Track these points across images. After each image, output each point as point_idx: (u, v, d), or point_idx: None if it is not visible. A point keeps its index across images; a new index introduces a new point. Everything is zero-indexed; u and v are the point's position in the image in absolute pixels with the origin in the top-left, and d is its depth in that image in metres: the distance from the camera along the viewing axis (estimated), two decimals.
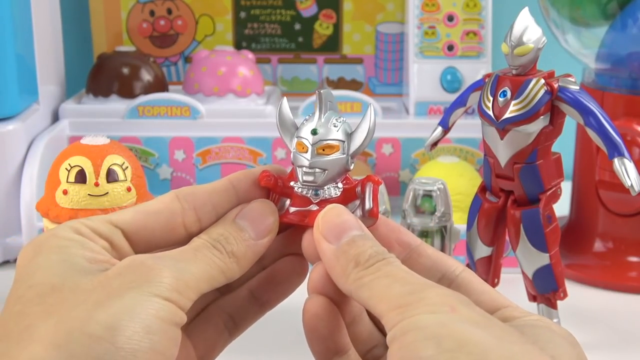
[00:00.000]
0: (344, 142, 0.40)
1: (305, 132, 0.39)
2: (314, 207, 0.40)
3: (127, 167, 0.55)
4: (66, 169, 0.54)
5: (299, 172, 0.40)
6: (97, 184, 0.54)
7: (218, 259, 0.36)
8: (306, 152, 0.39)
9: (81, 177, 0.54)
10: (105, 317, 0.32)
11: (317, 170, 0.40)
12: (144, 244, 0.37)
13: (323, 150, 0.40)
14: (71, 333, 0.31)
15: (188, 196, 0.38)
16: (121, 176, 0.54)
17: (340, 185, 0.41)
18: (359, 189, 0.41)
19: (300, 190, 0.40)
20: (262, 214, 0.39)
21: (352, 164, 0.40)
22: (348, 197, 0.40)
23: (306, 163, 0.39)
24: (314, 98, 0.81)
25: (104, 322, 0.31)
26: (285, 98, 0.41)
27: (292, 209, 0.40)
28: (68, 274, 0.34)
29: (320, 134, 0.39)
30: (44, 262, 0.34)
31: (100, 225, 0.36)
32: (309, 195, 0.40)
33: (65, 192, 0.54)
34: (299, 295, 0.42)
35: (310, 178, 0.40)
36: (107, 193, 0.54)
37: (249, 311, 0.40)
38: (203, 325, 0.39)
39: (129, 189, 0.55)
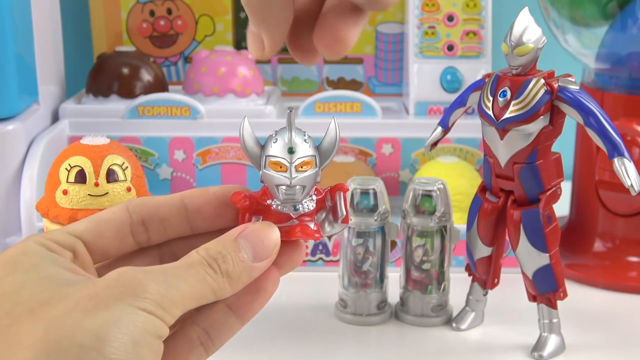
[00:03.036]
0: (315, 156, 0.42)
1: (281, 152, 0.41)
2: (294, 222, 0.41)
3: (127, 167, 0.55)
4: (66, 169, 0.54)
5: (278, 190, 0.41)
6: (97, 184, 0.54)
7: (211, 277, 0.36)
8: (285, 171, 0.41)
9: (81, 177, 0.54)
10: (94, 326, 0.32)
11: (298, 187, 0.41)
12: (100, 252, 0.38)
13: (301, 167, 0.41)
14: (60, 342, 0.32)
15: (137, 207, 0.39)
16: (121, 176, 0.54)
17: (313, 197, 0.42)
18: (328, 198, 0.43)
19: (279, 207, 0.41)
20: (265, 237, 0.39)
21: (320, 177, 0.42)
22: (319, 207, 0.42)
23: (287, 182, 0.41)
24: (315, 97, 0.81)
25: (93, 331, 0.32)
26: (246, 118, 0.42)
27: None
28: (55, 288, 0.34)
29: (297, 152, 0.41)
30: (25, 280, 0.35)
31: (63, 237, 0.37)
32: (288, 211, 0.41)
33: (65, 192, 0.54)
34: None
35: (292, 196, 0.41)
36: (107, 193, 0.54)
37: (224, 324, 0.39)
38: (175, 341, 0.38)
39: (128, 189, 0.55)
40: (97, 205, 0.54)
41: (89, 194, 0.53)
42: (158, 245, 0.41)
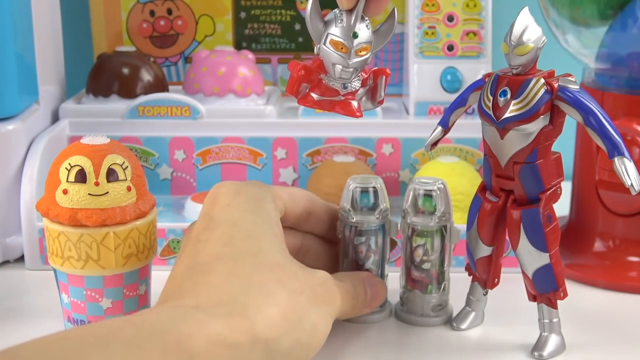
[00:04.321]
0: (372, 42, 0.46)
1: (344, 34, 0.46)
2: (340, 98, 0.47)
3: (127, 167, 0.55)
4: (66, 168, 0.54)
5: (335, 68, 0.46)
6: (97, 184, 0.54)
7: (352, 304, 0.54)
8: (346, 52, 0.46)
9: (81, 177, 0.54)
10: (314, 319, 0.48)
11: (352, 69, 0.46)
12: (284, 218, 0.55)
13: (360, 52, 0.46)
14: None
15: (311, 198, 0.58)
16: (121, 176, 0.54)
17: (360, 76, 0.47)
18: (371, 78, 0.48)
19: (331, 83, 0.47)
20: (383, 291, 0.58)
21: (371, 59, 0.47)
22: (362, 85, 0.48)
23: (346, 64, 0.46)
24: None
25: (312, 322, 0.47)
26: None
27: (317, 97, 0.48)
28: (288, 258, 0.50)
29: (359, 37, 0.46)
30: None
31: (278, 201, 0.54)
32: (338, 87, 0.47)
33: (65, 192, 0.54)
34: None
35: (347, 76, 0.46)
36: (107, 192, 0.54)
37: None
38: None
39: (129, 189, 0.55)
40: (97, 204, 0.54)
41: (89, 194, 0.53)
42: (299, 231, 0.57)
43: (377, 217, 0.59)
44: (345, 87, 0.47)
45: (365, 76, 0.48)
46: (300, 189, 0.58)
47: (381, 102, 0.49)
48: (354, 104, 0.48)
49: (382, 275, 0.60)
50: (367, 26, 0.46)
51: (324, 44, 0.46)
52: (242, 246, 0.47)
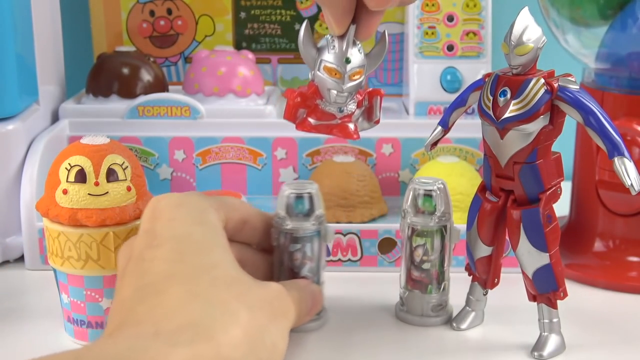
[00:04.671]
0: (364, 65, 0.48)
1: (337, 60, 0.47)
2: (337, 121, 0.49)
3: (127, 167, 0.55)
4: (66, 168, 0.54)
5: (330, 94, 0.48)
6: (97, 184, 0.54)
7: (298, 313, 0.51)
8: (340, 78, 0.47)
9: (81, 177, 0.54)
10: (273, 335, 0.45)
11: (347, 93, 0.48)
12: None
13: (353, 76, 0.48)
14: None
15: (242, 207, 0.55)
16: (121, 176, 0.54)
17: (355, 98, 0.49)
18: (366, 99, 0.50)
19: (327, 107, 0.48)
20: (321, 298, 0.57)
21: (365, 82, 0.49)
22: (357, 107, 0.50)
23: (340, 88, 0.48)
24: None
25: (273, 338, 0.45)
26: (307, 21, 0.49)
27: (314, 122, 0.50)
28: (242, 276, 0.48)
29: (352, 62, 0.47)
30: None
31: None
32: (334, 111, 0.49)
33: (65, 192, 0.54)
34: None
35: (342, 100, 0.48)
36: (107, 192, 0.54)
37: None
38: None
39: (129, 189, 0.55)
40: (97, 204, 0.54)
41: (88, 194, 0.53)
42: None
43: (313, 223, 0.57)
44: (341, 111, 0.49)
45: (360, 98, 0.49)
46: (234, 197, 0.55)
47: (377, 122, 0.51)
48: (351, 126, 0.50)
49: (319, 283, 0.58)
50: (359, 50, 0.48)
51: (318, 71, 0.48)
52: (194, 262, 0.44)
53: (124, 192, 0.54)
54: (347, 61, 0.47)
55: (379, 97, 0.50)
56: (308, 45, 0.48)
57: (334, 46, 0.47)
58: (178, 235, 0.45)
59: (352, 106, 0.49)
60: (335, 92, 0.48)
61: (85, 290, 0.55)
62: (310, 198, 0.57)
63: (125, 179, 0.55)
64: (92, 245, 0.54)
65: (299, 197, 0.56)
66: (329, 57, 0.47)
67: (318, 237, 0.57)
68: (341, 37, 0.47)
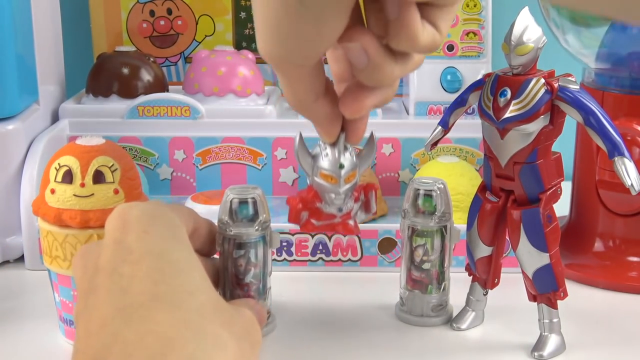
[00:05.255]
0: (357, 166, 0.52)
1: (332, 166, 0.52)
2: (338, 220, 0.54)
3: (116, 169, 0.54)
4: (55, 168, 0.54)
5: (328, 197, 0.53)
6: (82, 185, 0.53)
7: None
8: (336, 183, 0.52)
9: (68, 177, 0.53)
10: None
11: (344, 195, 0.52)
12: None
13: (348, 179, 0.52)
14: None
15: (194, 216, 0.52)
16: (108, 178, 0.54)
17: (352, 196, 0.53)
18: (362, 194, 0.55)
19: (327, 209, 0.53)
20: (265, 317, 0.55)
21: (359, 180, 0.53)
22: (355, 201, 0.54)
23: (337, 191, 0.52)
24: None
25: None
26: (300, 132, 0.53)
27: (317, 223, 0.55)
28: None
29: (345, 167, 0.51)
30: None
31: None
32: (334, 212, 0.53)
33: (52, 192, 0.53)
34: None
35: (340, 201, 0.53)
36: (93, 194, 0.53)
37: None
38: None
39: (116, 192, 0.54)
40: (82, 206, 0.53)
41: (74, 194, 0.53)
42: None
43: (257, 228, 0.55)
44: (340, 210, 0.54)
45: (357, 194, 0.54)
46: (182, 205, 0.55)
47: (375, 214, 0.57)
48: (351, 223, 0.55)
49: (264, 289, 0.57)
50: (350, 154, 0.52)
51: (316, 177, 0.52)
52: (175, 283, 0.42)
53: (110, 195, 0.54)
54: (341, 167, 0.51)
55: (373, 192, 0.56)
56: (304, 154, 0.52)
57: (327, 153, 0.51)
58: (155, 251, 0.43)
59: (350, 204, 0.54)
60: (333, 195, 0.52)
61: (72, 290, 0.55)
62: (255, 203, 0.56)
63: (113, 182, 0.54)
64: (76, 247, 0.53)
65: (243, 202, 0.55)
66: (324, 164, 0.52)
67: (263, 242, 0.56)
68: (333, 145, 0.51)
